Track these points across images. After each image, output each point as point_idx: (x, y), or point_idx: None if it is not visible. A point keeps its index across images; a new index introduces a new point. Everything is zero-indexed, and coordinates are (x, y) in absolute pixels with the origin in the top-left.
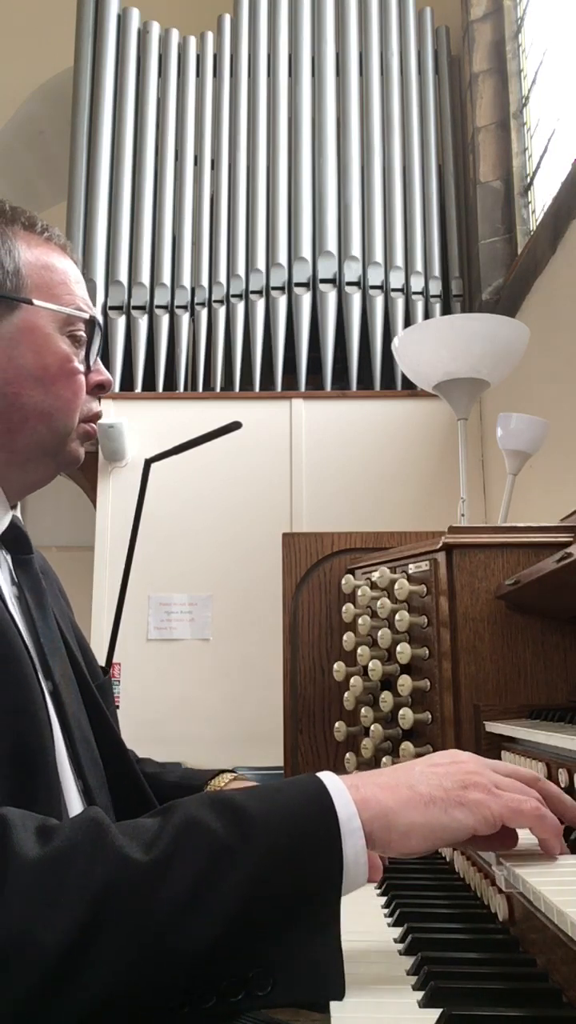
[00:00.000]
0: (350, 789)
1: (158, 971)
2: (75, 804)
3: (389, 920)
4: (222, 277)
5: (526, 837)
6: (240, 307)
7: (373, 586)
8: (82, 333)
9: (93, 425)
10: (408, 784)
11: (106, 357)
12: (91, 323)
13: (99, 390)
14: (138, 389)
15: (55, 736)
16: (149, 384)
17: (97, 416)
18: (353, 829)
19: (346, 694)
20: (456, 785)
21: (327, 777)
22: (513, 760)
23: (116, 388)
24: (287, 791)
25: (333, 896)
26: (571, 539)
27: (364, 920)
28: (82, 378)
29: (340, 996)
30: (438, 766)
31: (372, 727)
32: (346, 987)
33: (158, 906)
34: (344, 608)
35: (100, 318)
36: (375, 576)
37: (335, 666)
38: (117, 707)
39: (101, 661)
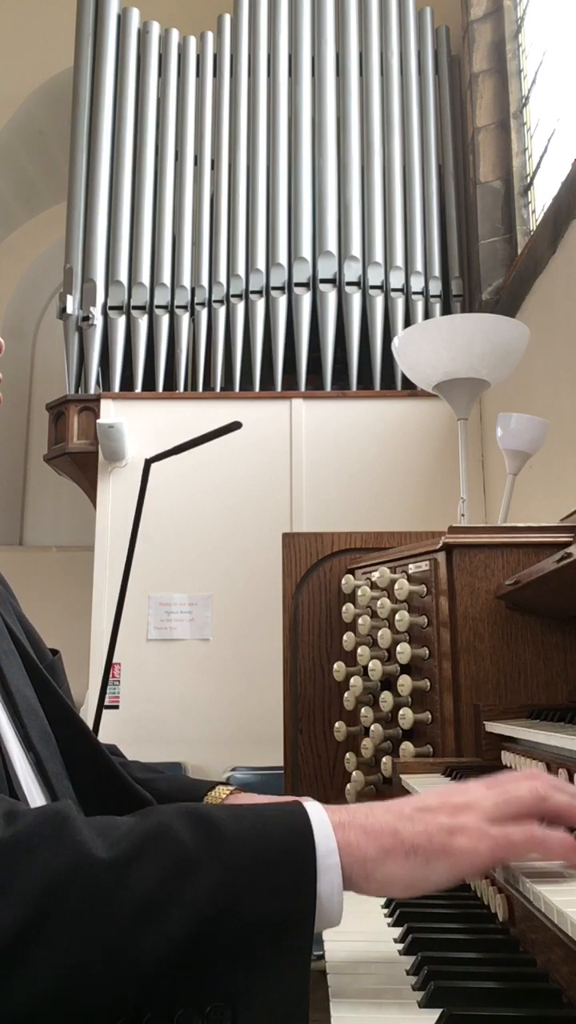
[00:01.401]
0: (335, 827)
1: (106, 975)
2: (25, 775)
3: (389, 920)
4: (222, 277)
5: None
6: (240, 307)
7: (373, 586)
8: None
9: None
10: (393, 830)
11: (106, 357)
12: None
13: None
14: (138, 389)
15: None
16: (149, 384)
17: None
18: (331, 865)
19: (346, 694)
20: (442, 831)
21: (313, 808)
22: (513, 760)
23: (116, 388)
24: (268, 814)
25: (303, 932)
26: (571, 539)
27: (364, 920)
28: None
29: None
30: (429, 809)
31: (372, 727)
32: (346, 987)
33: (112, 906)
34: (344, 608)
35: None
36: (375, 576)
37: (335, 666)
38: (116, 707)
39: (101, 661)
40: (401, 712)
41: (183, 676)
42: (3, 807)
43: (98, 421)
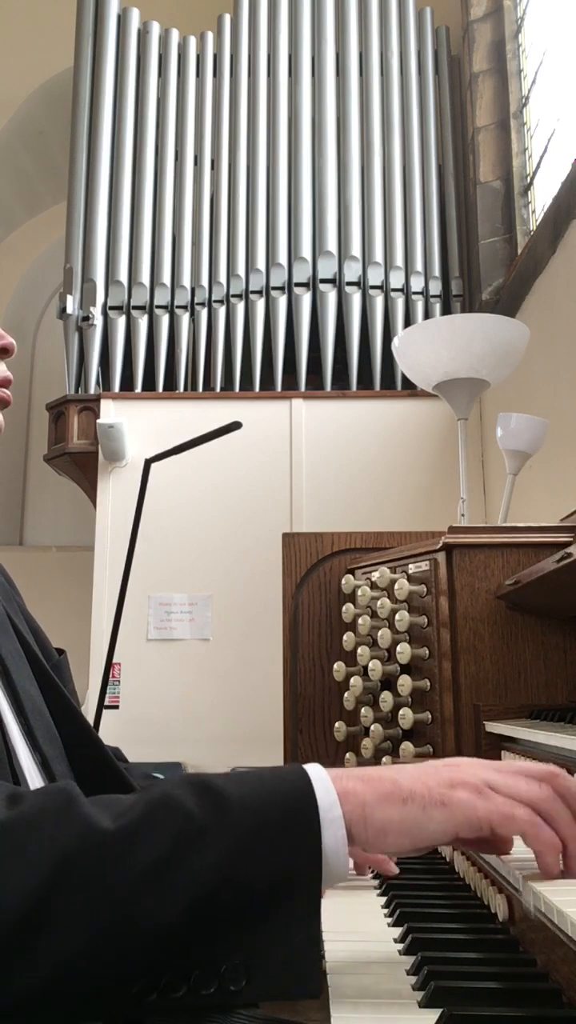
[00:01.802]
0: (333, 780)
1: (119, 944)
2: (32, 775)
3: (389, 920)
4: (222, 277)
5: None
6: (240, 307)
7: (373, 586)
8: None
9: (6, 391)
10: (392, 779)
11: (106, 357)
12: None
13: (2, 354)
14: (138, 389)
15: (3, 710)
16: (149, 384)
17: (7, 381)
18: (333, 818)
19: (346, 694)
20: (442, 783)
21: (311, 767)
22: (513, 760)
23: (116, 388)
24: (268, 778)
25: (312, 886)
26: (571, 539)
27: (364, 920)
28: None
29: (318, 994)
30: (432, 767)
31: (372, 727)
32: (346, 987)
33: (122, 876)
34: (344, 608)
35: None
36: (375, 576)
37: (335, 666)
38: (116, 707)
39: (101, 661)
40: (401, 712)
41: (183, 676)
42: (6, 791)
43: (98, 421)
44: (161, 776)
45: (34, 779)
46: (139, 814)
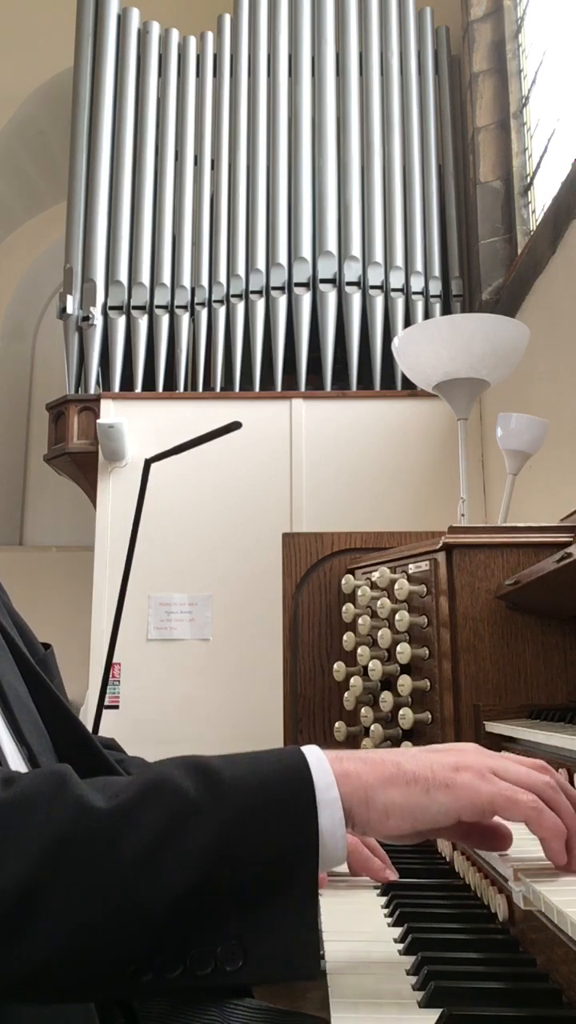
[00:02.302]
0: (332, 761)
1: (114, 925)
2: (19, 769)
3: (389, 920)
4: (222, 277)
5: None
6: (240, 307)
7: (373, 586)
8: None
9: None
10: (395, 762)
11: (106, 357)
12: None
13: None
14: (138, 389)
15: None
16: (149, 384)
17: None
18: (330, 800)
19: (346, 694)
20: (446, 767)
21: (309, 748)
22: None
23: (116, 388)
24: (265, 758)
25: (309, 867)
26: (571, 539)
27: (364, 920)
28: None
29: (316, 975)
30: (435, 751)
31: (372, 727)
32: (346, 987)
33: (117, 855)
34: (344, 608)
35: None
36: (375, 576)
37: (335, 666)
38: (115, 707)
39: (101, 661)
40: (401, 712)
41: (183, 676)
42: (0, 774)
43: (98, 421)
44: None
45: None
46: (133, 794)
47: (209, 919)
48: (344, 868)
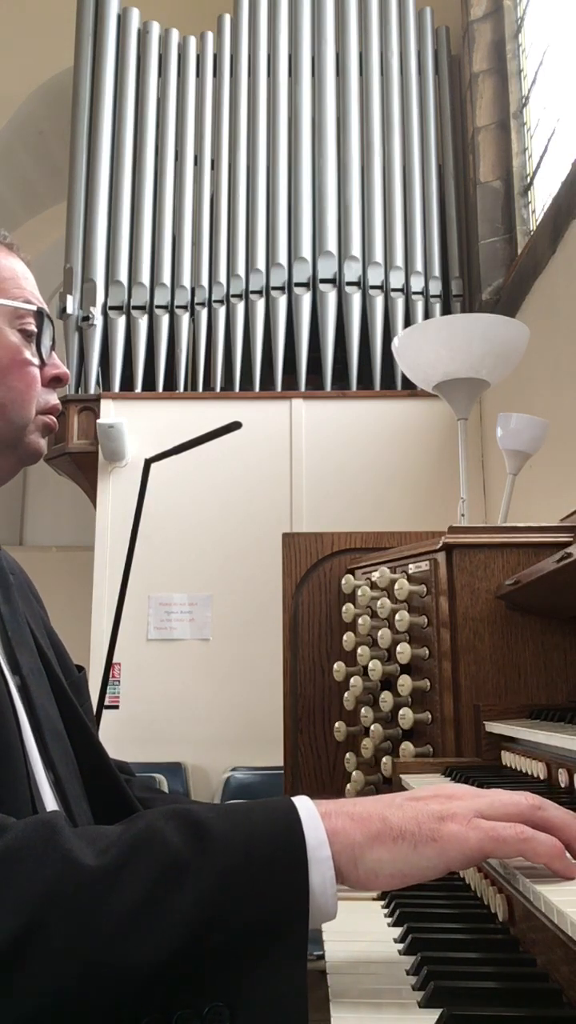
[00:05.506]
0: (323, 817)
1: (99, 985)
2: (47, 796)
3: (389, 920)
4: (222, 277)
5: None
6: (240, 307)
7: (373, 586)
8: (32, 327)
9: (52, 418)
10: (381, 816)
11: (106, 357)
12: (39, 315)
13: (55, 383)
14: (138, 389)
15: (23, 729)
16: (149, 384)
17: (55, 409)
18: (322, 858)
19: (346, 694)
20: (432, 817)
21: (301, 802)
22: (513, 760)
23: (116, 388)
24: (256, 812)
25: (299, 928)
26: (571, 539)
27: (364, 920)
28: (35, 370)
29: None
30: (419, 799)
31: (372, 727)
32: (346, 987)
33: (105, 914)
34: (344, 608)
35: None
36: (375, 576)
37: (335, 666)
38: (116, 707)
39: (101, 661)
40: (401, 712)
41: (183, 676)
42: None
43: (98, 421)
44: (162, 777)
45: (48, 800)
46: (122, 850)
47: (195, 981)
48: None
